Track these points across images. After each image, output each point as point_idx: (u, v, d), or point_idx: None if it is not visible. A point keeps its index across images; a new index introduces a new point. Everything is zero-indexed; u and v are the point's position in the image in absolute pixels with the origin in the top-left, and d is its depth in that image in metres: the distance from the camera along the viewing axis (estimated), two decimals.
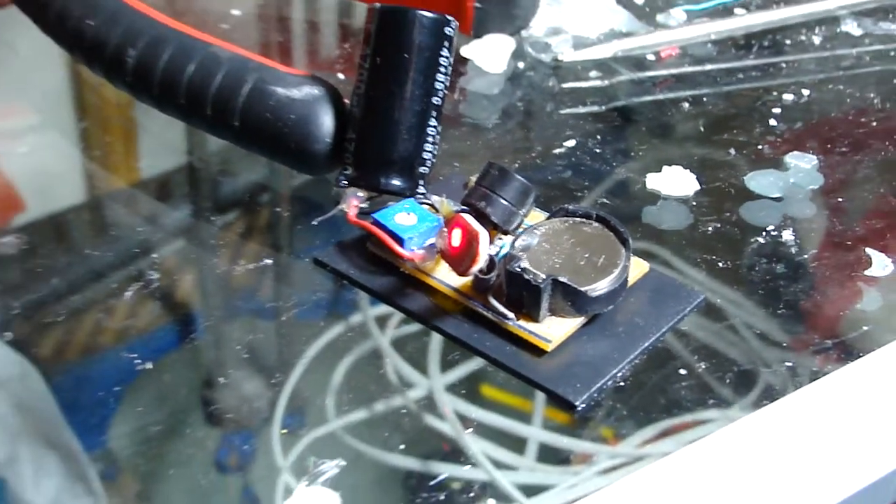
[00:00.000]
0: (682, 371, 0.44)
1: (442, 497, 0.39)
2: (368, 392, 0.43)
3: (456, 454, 0.41)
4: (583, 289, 0.43)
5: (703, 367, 0.44)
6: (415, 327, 0.46)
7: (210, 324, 0.48)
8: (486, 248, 0.42)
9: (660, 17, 0.62)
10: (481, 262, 0.42)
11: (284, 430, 0.42)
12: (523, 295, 0.43)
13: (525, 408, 0.43)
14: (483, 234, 0.42)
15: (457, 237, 0.43)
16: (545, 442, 0.42)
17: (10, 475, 0.40)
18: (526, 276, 0.42)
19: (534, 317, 0.43)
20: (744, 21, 0.62)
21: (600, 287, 0.43)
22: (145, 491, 0.40)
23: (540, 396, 0.43)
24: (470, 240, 0.42)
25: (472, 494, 0.40)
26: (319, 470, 0.40)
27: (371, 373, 0.44)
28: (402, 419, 0.42)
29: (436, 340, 0.45)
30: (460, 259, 0.43)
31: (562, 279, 0.42)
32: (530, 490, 0.40)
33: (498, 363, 0.43)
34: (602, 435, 0.42)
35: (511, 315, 0.43)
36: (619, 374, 0.43)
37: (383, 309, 0.46)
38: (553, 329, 0.43)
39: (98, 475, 0.40)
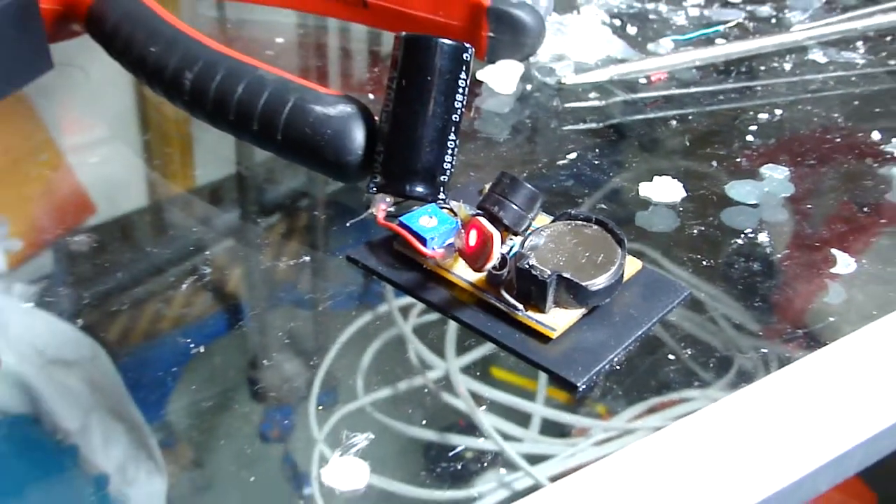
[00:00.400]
0: (670, 356, 0.44)
1: (458, 466, 0.39)
2: (393, 373, 0.43)
3: (470, 428, 0.41)
4: (584, 284, 0.42)
5: (688, 353, 0.44)
6: (433, 317, 0.45)
7: (255, 313, 0.47)
8: (499, 248, 0.42)
9: (650, 46, 0.62)
10: (495, 260, 0.42)
11: (320, 407, 0.42)
12: (531, 289, 0.43)
13: (530, 387, 0.43)
14: (496, 235, 0.42)
15: (473, 238, 0.43)
16: (547, 417, 0.42)
17: (83, 443, 0.40)
18: (534, 272, 0.42)
19: (540, 308, 0.43)
20: (724, 50, 0.62)
21: (599, 282, 0.43)
22: (198, 458, 0.40)
23: (543, 377, 0.43)
24: (485, 240, 0.42)
25: (483, 463, 0.39)
26: (351, 442, 0.40)
27: (395, 356, 0.44)
28: (423, 397, 0.42)
29: (452, 328, 0.45)
30: (476, 257, 0.43)
31: (565, 275, 0.42)
32: (534, 459, 0.40)
33: (509, 348, 0.43)
34: (597, 411, 0.42)
35: (520, 306, 0.43)
36: (615, 359, 0.43)
37: (406, 300, 0.46)
38: (557, 319, 0.43)
39: (158, 444, 0.40)
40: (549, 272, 0.42)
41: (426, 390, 0.43)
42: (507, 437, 0.41)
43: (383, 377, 0.43)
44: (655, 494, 0.39)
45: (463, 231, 0.44)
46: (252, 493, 0.39)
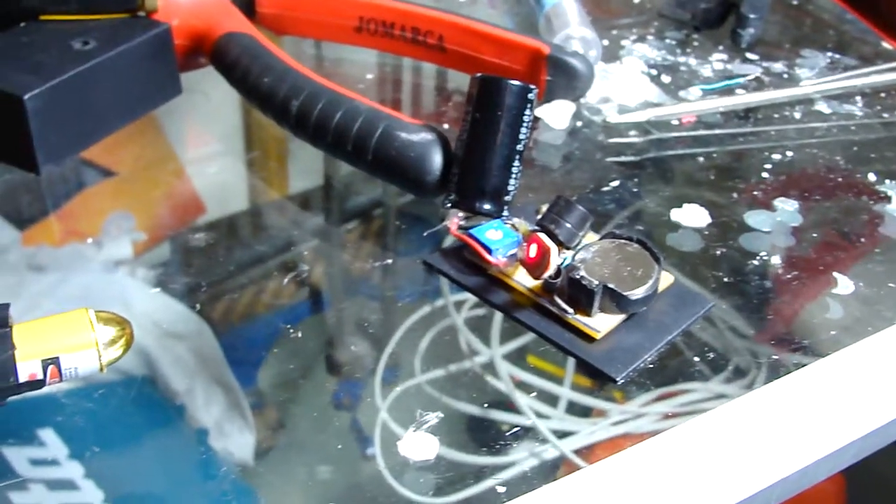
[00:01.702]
0: (695, 358, 0.43)
1: (497, 437, 0.39)
2: (446, 357, 0.43)
3: (508, 405, 0.41)
4: (625, 293, 0.42)
5: (709, 356, 0.43)
6: (481, 311, 0.45)
7: (335, 301, 0.48)
8: (556, 260, 0.42)
9: (682, 93, 0.62)
10: (551, 270, 0.42)
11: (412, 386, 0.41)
12: (581, 296, 0.42)
13: (559, 374, 0.42)
14: (554, 249, 0.42)
15: (533, 250, 0.43)
16: (572, 399, 0.41)
17: (188, 402, 0.41)
18: (583, 282, 0.42)
19: (587, 312, 0.42)
20: (743, 99, 0.61)
21: (638, 293, 0.42)
22: (282, 419, 0.41)
23: (570, 366, 0.42)
24: (543, 253, 0.42)
25: (518, 435, 0.40)
26: (424, 419, 0.39)
27: (448, 343, 0.44)
28: (470, 378, 0.42)
29: (497, 321, 0.44)
30: (535, 267, 0.43)
31: (610, 285, 0.42)
32: (560, 434, 0.40)
33: (558, 345, 0.43)
34: (614, 396, 0.41)
35: (570, 310, 0.42)
36: (649, 359, 0.42)
37: (459, 297, 0.46)
38: (601, 322, 0.43)
39: (249, 406, 0.41)
40: (596, 282, 0.42)
41: (472, 372, 0.42)
42: (538, 414, 0.41)
43: (437, 360, 0.43)
44: (675, 483, 0.38)
45: (525, 244, 0.43)
46: (324, 450, 0.39)
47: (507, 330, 0.44)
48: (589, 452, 0.39)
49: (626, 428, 0.40)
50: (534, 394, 0.41)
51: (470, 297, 0.46)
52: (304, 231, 0.52)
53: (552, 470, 0.38)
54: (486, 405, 0.41)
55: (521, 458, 0.39)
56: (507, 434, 0.40)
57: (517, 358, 0.43)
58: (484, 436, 0.39)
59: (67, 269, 0.48)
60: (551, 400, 0.41)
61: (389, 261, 0.49)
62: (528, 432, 0.40)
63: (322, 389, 0.42)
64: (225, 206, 0.54)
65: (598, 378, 0.42)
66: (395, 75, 0.65)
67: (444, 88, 0.64)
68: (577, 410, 0.41)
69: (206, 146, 0.61)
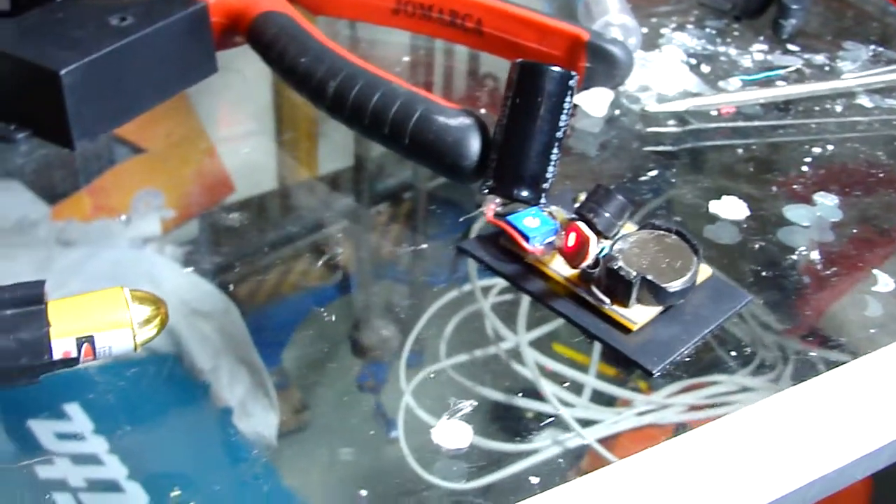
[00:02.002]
0: (728, 352, 0.43)
1: (521, 424, 0.39)
2: (471, 342, 0.43)
3: (533, 393, 0.41)
4: (663, 285, 0.42)
5: (741, 350, 0.43)
6: (508, 297, 0.45)
7: (363, 284, 0.48)
8: (594, 250, 0.41)
9: (721, 84, 0.61)
10: (590, 260, 0.42)
11: (432, 376, 0.41)
12: (618, 287, 0.42)
13: (584, 362, 0.42)
14: (593, 238, 0.41)
15: (572, 239, 0.42)
16: (597, 388, 0.41)
17: (213, 380, 0.41)
18: (621, 273, 0.41)
19: (624, 303, 0.42)
20: (784, 91, 0.61)
21: (676, 285, 0.42)
22: (306, 399, 0.41)
23: (596, 355, 0.42)
24: (582, 242, 0.42)
25: (542, 423, 0.39)
26: (457, 407, 0.39)
27: (474, 329, 0.44)
28: (495, 364, 0.42)
29: (524, 308, 0.44)
30: (573, 256, 0.42)
31: (648, 277, 0.41)
32: (585, 423, 0.40)
33: (594, 336, 0.42)
34: (639, 386, 0.41)
35: (607, 301, 0.42)
36: (685, 352, 0.42)
37: (487, 282, 0.46)
38: (638, 314, 0.42)
39: (273, 385, 0.41)
40: (634, 273, 0.41)
41: (498, 358, 0.42)
42: (563, 402, 0.40)
43: (463, 345, 0.43)
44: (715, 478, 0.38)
45: (563, 232, 0.43)
46: (347, 432, 0.39)
47: (534, 317, 0.44)
48: (614, 442, 0.39)
49: (651, 418, 0.40)
50: (563, 383, 0.41)
51: (497, 283, 0.45)
52: (335, 213, 0.52)
53: (576, 459, 0.38)
54: (510, 392, 0.41)
55: (544, 446, 0.38)
56: (531, 422, 0.39)
57: (543, 345, 0.43)
58: (508, 423, 0.39)
59: (96, 244, 0.48)
60: (576, 388, 0.41)
61: (420, 245, 0.49)
62: (552, 421, 0.40)
63: (346, 372, 0.42)
64: (255, 185, 0.54)
65: (633, 370, 0.41)
66: (430, 59, 0.64)
67: (478, 73, 0.63)
68: (602, 399, 0.41)
69: (237, 125, 0.61)
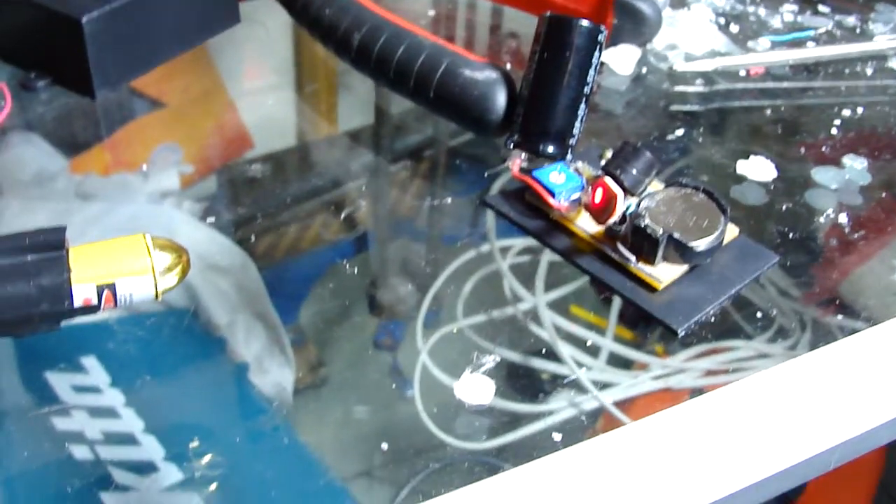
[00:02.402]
0: (750, 315, 0.42)
1: (536, 385, 0.39)
2: (489, 302, 0.43)
3: (550, 354, 0.40)
4: (690, 244, 0.41)
5: (762, 314, 0.43)
6: (527, 258, 0.45)
7: (383, 241, 0.48)
8: (622, 206, 0.41)
9: (750, 44, 0.61)
10: (616, 217, 0.41)
11: (455, 331, 0.41)
12: (644, 244, 0.41)
13: (601, 324, 0.42)
14: (620, 195, 0.41)
15: (599, 195, 0.42)
16: (614, 351, 0.41)
17: (229, 336, 0.41)
18: (648, 231, 0.41)
19: (650, 262, 0.42)
20: (814, 52, 0.60)
21: (703, 244, 0.41)
22: (322, 355, 0.41)
23: (613, 317, 0.42)
24: (609, 198, 0.41)
25: (558, 385, 0.39)
26: (480, 362, 0.39)
27: (493, 288, 0.43)
28: (513, 325, 0.42)
29: (542, 268, 0.44)
30: (600, 212, 0.42)
31: (675, 235, 0.41)
32: (601, 385, 0.39)
33: (619, 294, 0.42)
34: (656, 350, 0.41)
35: (633, 258, 0.42)
36: (711, 312, 0.42)
37: (506, 241, 0.45)
38: (664, 272, 0.42)
39: (289, 342, 0.41)
40: (661, 231, 0.41)
41: (515, 319, 0.42)
42: (579, 364, 0.40)
43: (481, 305, 0.42)
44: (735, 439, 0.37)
45: (589, 189, 0.42)
46: (363, 388, 0.39)
47: (552, 276, 0.44)
48: (629, 405, 0.39)
49: (667, 382, 0.40)
50: (578, 343, 0.41)
51: (517, 243, 0.45)
52: (356, 168, 0.52)
53: (591, 421, 0.38)
54: (527, 353, 0.40)
55: (560, 407, 0.38)
56: (546, 382, 0.39)
57: (561, 306, 0.42)
58: (524, 384, 0.39)
59: (114, 198, 0.48)
60: (593, 351, 0.41)
61: (443, 200, 0.49)
62: (568, 382, 0.39)
63: (363, 329, 0.42)
64: (274, 140, 0.54)
65: (658, 328, 0.41)
66: (459, 13, 0.64)
67: (503, 29, 0.63)
68: (618, 362, 0.41)
69: (258, 78, 0.60)
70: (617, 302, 0.42)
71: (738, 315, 0.42)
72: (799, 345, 0.41)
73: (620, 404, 0.39)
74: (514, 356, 0.40)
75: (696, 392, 0.39)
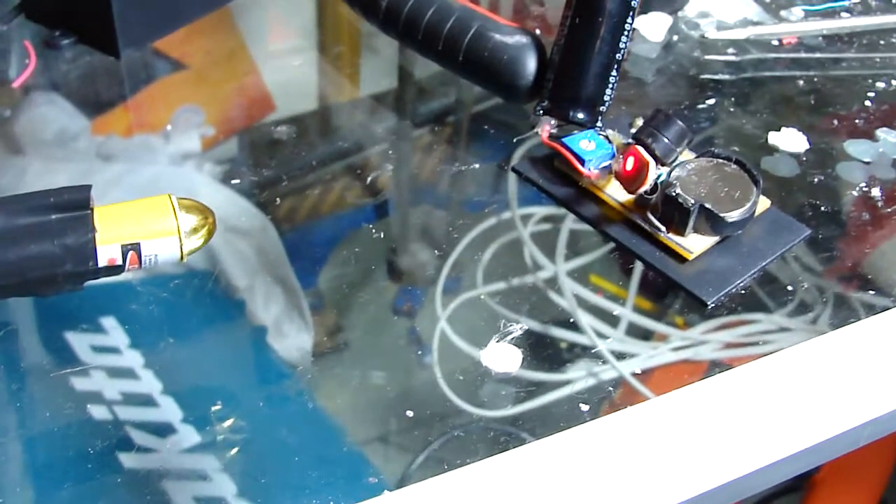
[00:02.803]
0: (788, 287, 0.42)
1: (556, 355, 0.39)
2: (509, 270, 0.43)
3: (570, 323, 0.40)
4: (722, 215, 0.41)
5: (791, 289, 0.42)
6: (548, 226, 0.44)
7: (405, 206, 0.47)
8: (653, 175, 0.41)
9: (783, 13, 0.60)
10: (648, 185, 0.41)
11: (483, 297, 0.41)
12: (675, 214, 0.41)
13: (621, 294, 0.42)
14: (652, 163, 0.41)
15: (630, 163, 0.41)
16: (633, 321, 0.41)
17: (249, 298, 0.41)
18: (679, 200, 0.41)
19: (681, 232, 0.41)
20: (848, 22, 0.59)
21: (734, 215, 0.41)
22: (340, 321, 0.41)
23: (633, 288, 0.42)
24: (641, 166, 0.41)
25: (576, 353, 0.39)
26: (507, 330, 0.39)
27: (513, 256, 0.43)
28: (532, 293, 0.42)
29: (563, 237, 0.44)
30: (631, 181, 0.42)
31: (707, 205, 0.41)
32: (620, 356, 0.39)
33: (648, 264, 0.42)
34: (675, 321, 0.41)
35: (663, 228, 0.41)
36: (741, 284, 0.41)
37: (526, 210, 0.45)
38: (694, 243, 0.42)
39: (308, 306, 0.41)
40: (692, 201, 0.41)
41: (535, 287, 0.42)
42: (598, 334, 0.40)
43: (501, 273, 0.42)
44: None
45: (620, 156, 0.42)
46: (381, 354, 0.39)
47: (573, 245, 0.43)
48: (649, 376, 0.38)
49: (686, 354, 0.40)
50: (598, 313, 0.41)
51: (538, 211, 0.45)
52: (380, 132, 0.51)
53: (611, 392, 0.38)
54: (547, 322, 0.40)
55: (578, 377, 0.38)
56: (565, 351, 0.39)
57: (580, 275, 0.42)
58: (543, 353, 0.39)
59: (135, 159, 0.48)
60: (612, 320, 0.41)
61: (469, 166, 0.48)
62: (586, 351, 0.39)
63: (383, 294, 0.42)
64: (297, 103, 0.54)
65: (683, 298, 0.41)
66: None
67: None
68: (637, 333, 0.40)
69: (281, 41, 0.60)
70: (638, 272, 0.42)
71: (763, 288, 0.42)
72: (820, 319, 0.41)
73: (639, 375, 0.39)
74: (535, 324, 0.40)
75: (716, 364, 0.39)
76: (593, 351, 0.39)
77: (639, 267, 0.42)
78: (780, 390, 0.38)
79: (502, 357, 0.38)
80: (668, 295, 0.42)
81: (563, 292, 0.41)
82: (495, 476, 0.34)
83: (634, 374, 0.38)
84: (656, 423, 0.36)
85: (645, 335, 0.40)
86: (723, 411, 0.37)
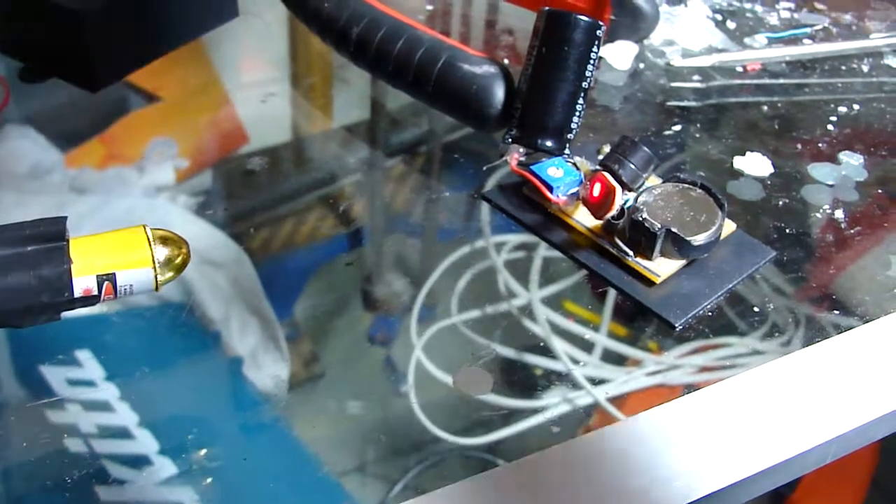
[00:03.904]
0: (747, 314, 0.43)
1: (530, 381, 0.39)
2: (483, 297, 0.43)
3: (544, 350, 0.41)
4: (688, 238, 0.42)
5: (758, 310, 0.43)
6: (521, 254, 0.45)
7: (378, 236, 0.48)
8: (620, 201, 0.42)
9: (747, 40, 0.61)
10: (615, 211, 0.42)
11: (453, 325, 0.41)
12: (642, 239, 0.42)
13: (595, 320, 0.42)
14: (619, 189, 0.41)
15: (597, 189, 0.42)
16: (608, 347, 0.41)
17: (224, 330, 0.41)
18: (646, 225, 0.41)
19: (648, 256, 0.42)
20: (810, 49, 0.61)
21: (700, 239, 0.42)
22: (316, 350, 0.41)
23: (607, 313, 0.42)
24: (607, 192, 0.42)
25: (552, 380, 0.39)
26: (479, 354, 0.39)
27: (486, 284, 0.44)
28: (507, 321, 0.42)
29: (536, 264, 0.44)
30: (598, 206, 0.42)
31: (673, 229, 0.41)
32: (595, 381, 0.40)
33: (617, 288, 0.42)
34: (649, 346, 0.41)
35: (631, 253, 0.42)
36: (708, 306, 0.42)
37: (499, 238, 0.46)
38: (661, 267, 0.42)
39: (284, 336, 0.41)
40: (659, 226, 0.41)
41: (510, 315, 0.42)
42: (573, 360, 0.40)
43: (474, 300, 0.43)
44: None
45: (587, 183, 0.43)
46: (357, 384, 0.40)
47: (546, 272, 0.44)
48: (623, 401, 0.39)
49: (660, 379, 0.40)
50: (572, 339, 0.41)
51: (511, 239, 0.45)
52: (352, 162, 0.52)
53: (585, 417, 0.38)
54: (521, 349, 0.41)
55: (553, 402, 0.38)
56: (540, 378, 0.40)
57: (554, 303, 0.43)
58: (517, 379, 0.39)
59: (109, 192, 0.48)
60: (586, 346, 0.41)
61: (440, 195, 0.49)
62: (561, 377, 0.40)
63: (358, 323, 0.42)
64: (270, 135, 0.54)
65: (656, 323, 0.42)
66: (456, 8, 0.64)
67: (500, 24, 0.63)
68: (612, 358, 0.41)
69: (254, 72, 0.60)
70: (611, 298, 0.43)
71: (733, 311, 0.43)
72: (793, 341, 0.42)
73: (614, 400, 0.39)
74: (509, 352, 0.40)
75: (690, 388, 0.39)
76: (567, 376, 0.40)
77: (611, 292, 0.43)
78: (746, 408, 0.39)
79: (477, 383, 0.38)
80: (639, 319, 0.42)
81: (538, 319, 0.42)
82: (471, 500, 0.34)
83: (609, 399, 0.39)
84: (628, 442, 0.37)
85: (618, 360, 0.41)
86: (689, 430, 0.37)
